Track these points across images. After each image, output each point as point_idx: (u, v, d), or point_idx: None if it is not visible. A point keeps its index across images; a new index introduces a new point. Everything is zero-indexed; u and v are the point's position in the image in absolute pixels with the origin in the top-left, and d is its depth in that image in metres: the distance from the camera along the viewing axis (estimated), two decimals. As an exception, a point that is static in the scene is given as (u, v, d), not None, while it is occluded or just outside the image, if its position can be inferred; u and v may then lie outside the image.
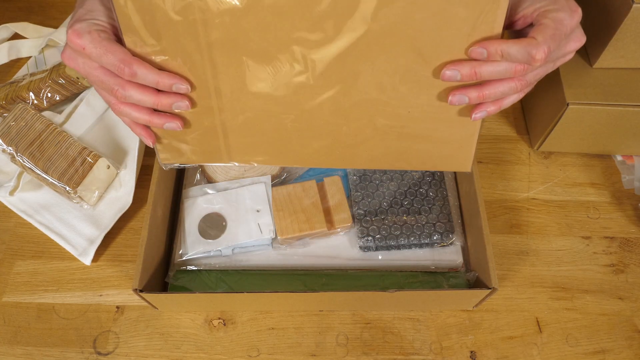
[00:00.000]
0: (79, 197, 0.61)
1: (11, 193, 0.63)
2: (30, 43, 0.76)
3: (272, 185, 0.60)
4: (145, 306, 0.58)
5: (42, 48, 0.75)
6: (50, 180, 0.60)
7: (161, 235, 0.57)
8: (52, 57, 0.75)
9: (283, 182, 0.62)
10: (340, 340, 0.57)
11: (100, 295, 0.59)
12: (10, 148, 0.60)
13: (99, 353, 0.56)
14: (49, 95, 0.67)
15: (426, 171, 0.61)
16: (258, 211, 0.58)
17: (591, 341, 0.57)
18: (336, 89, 0.42)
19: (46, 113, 0.66)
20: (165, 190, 0.59)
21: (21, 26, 0.77)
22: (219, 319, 0.58)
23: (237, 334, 0.57)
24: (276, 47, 0.40)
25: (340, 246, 0.59)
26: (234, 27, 0.39)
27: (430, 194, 0.60)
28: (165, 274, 0.57)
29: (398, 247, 0.58)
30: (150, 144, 0.46)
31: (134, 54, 0.41)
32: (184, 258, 0.57)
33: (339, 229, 0.58)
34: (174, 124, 0.44)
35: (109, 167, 0.63)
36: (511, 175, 0.68)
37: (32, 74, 0.70)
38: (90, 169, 0.61)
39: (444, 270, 0.57)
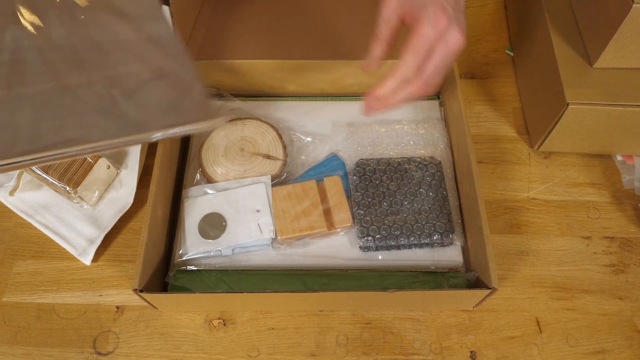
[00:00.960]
0: (79, 197, 0.61)
1: (11, 193, 0.63)
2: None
3: (272, 185, 0.60)
4: (145, 306, 0.58)
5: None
6: (51, 180, 0.60)
7: (161, 235, 0.57)
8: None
9: (283, 182, 0.62)
10: (340, 340, 0.57)
11: (100, 295, 0.59)
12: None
13: (99, 353, 0.56)
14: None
15: (426, 171, 0.61)
16: (258, 211, 0.58)
17: (591, 341, 0.57)
18: None
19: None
20: (165, 190, 0.59)
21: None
22: (219, 319, 0.58)
23: (237, 334, 0.57)
24: None
25: (340, 246, 0.59)
26: None
27: (430, 194, 0.60)
28: (165, 274, 0.57)
29: (398, 247, 0.58)
30: None
31: None
32: (184, 258, 0.57)
33: (338, 229, 0.58)
34: None
35: (109, 167, 0.63)
36: (511, 175, 0.68)
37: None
38: (91, 169, 0.61)
39: (444, 270, 0.57)
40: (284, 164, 0.62)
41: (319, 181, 0.61)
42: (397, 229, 0.58)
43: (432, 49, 0.43)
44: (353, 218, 0.58)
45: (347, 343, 0.57)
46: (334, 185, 0.60)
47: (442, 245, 0.58)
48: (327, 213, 0.58)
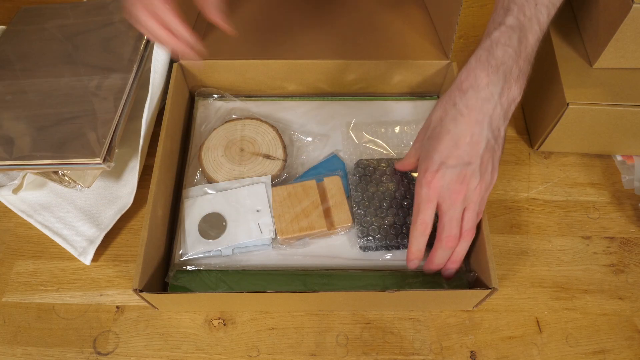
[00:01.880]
0: (69, 179, 0.61)
1: (15, 191, 0.63)
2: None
3: (272, 185, 0.60)
4: (145, 306, 0.58)
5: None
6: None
7: (161, 235, 0.57)
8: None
9: (283, 182, 0.62)
10: (340, 340, 0.57)
11: (100, 295, 0.59)
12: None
13: (99, 353, 0.56)
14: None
15: None
16: (258, 211, 0.58)
17: (591, 341, 0.57)
18: None
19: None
20: (165, 190, 0.59)
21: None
22: (219, 319, 0.58)
23: (237, 334, 0.57)
24: None
25: (340, 246, 0.59)
26: None
27: None
28: (165, 274, 0.57)
29: (398, 247, 0.58)
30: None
31: None
32: (184, 258, 0.57)
33: (338, 229, 0.58)
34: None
35: None
36: (511, 175, 0.68)
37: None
38: None
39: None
40: (284, 164, 0.62)
41: (319, 181, 0.61)
42: (397, 229, 0.58)
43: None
44: (353, 218, 0.58)
45: (347, 343, 0.57)
46: (334, 185, 0.60)
47: None
48: (327, 213, 0.58)
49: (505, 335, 0.57)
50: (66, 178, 0.61)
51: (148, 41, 0.69)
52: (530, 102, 0.72)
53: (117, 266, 0.61)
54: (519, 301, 0.59)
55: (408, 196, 0.60)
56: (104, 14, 0.74)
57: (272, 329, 0.57)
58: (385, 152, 0.64)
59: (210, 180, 0.61)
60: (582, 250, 0.62)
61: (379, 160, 0.62)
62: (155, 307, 0.56)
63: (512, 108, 0.48)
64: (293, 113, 0.68)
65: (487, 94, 0.46)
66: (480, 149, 0.47)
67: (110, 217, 0.63)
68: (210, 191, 0.60)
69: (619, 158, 0.69)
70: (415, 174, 0.61)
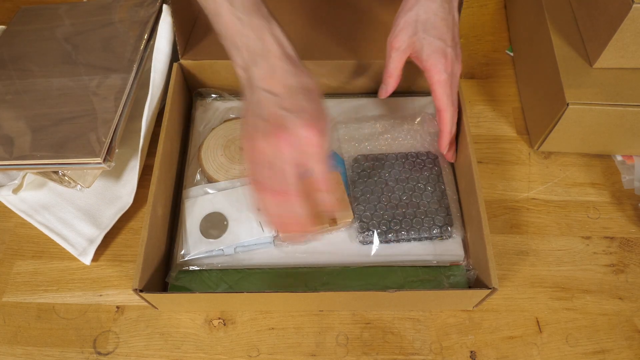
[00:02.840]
0: (69, 179, 0.61)
1: (15, 191, 0.63)
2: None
3: None
4: (145, 306, 0.58)
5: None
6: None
7: (161, 235, 0.57)
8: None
9: None
10: (340, 340, 0.57)
11: (100, 295, 0.59)
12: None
13: (99, 353, 0.56)
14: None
15: (423, 166, 0.61)
16: (259, 209, 0.58)
17: (591, 341, 0.57)
18: None
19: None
20: (165, 190, 0.59)
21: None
22: (219, 319, 0.58)
23: (237, 334, 0.57)
24: None
25: (341, 242, 0.58)
26: None
27: (429, 188, 0.60)
28: (165, 274, 0.57)
29: (398, 241, 0.58)
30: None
31: None
32: (186, 258, 0.57)
33: (340, 225, 0.58)
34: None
35: None
36: (511, 175, 0.68)
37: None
38: None
39: (445, 264, 0.57)
40: None
41: None
42: (396, 224, 0.58)
43: (452, 84, 0.55)
44: (353, 214, 0.59)
45: (347, 343, 0.57)
46: (334, 181, 0.60)
47: (442, 238, 0.58)
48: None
49: (505, 335, 0.57)
50: (66, 178, 0.61)
51: (148, 41, 0.69)
52: (530, 102, 0.72)
53: (117, 266, 0.61)
54: (519, 301, 0.59)
55: (406, 191, 0.60)
56: (104, 14, 0.74)
57: (272, 329, 0.57)
58: (383, 148, 0.64)
59: (210, 180, 0.61)
60: (582, 250, 0.62)
61: (376, 156, 0.63)
62: (155, 307, 0.56)
63: None
64: None
65: None
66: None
67: (110, 217, 0.63)
68: (210, 191, 0.60)
69: (619, 158, 0.69)
70: (412, 168, 0.61)
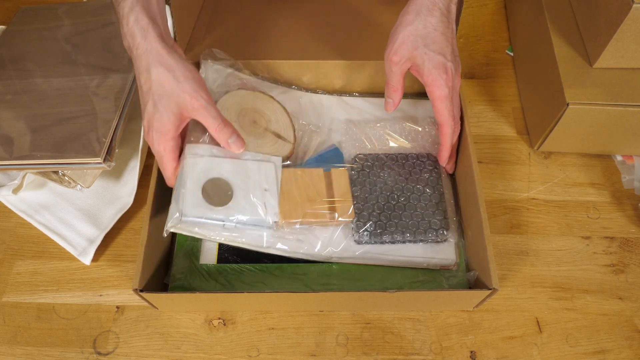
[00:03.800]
0: (69, 179, 0.61)
1: (15, 191, 0.63)
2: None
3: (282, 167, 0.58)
4: (145, 306, 0.58)
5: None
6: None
7: (161, 235, 0.57)
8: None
9: (287, 167, 0.59)
10: (340, 340, 0.57)
11: (100, 295, 0.59)
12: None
13: (99, 353, 0.56)
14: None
15: (423, 168, 0.61)
16: (266, 190, 0.55)
17: (591, 341, 0.57)
18: None
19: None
20: (165, 190, 0.59)
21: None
22: (219, 319, 0.58)
23: (237, 334, 0.57)
24: None
25: (336, 237, 0.58)
26: None
27: (427, 190, 0.60)
28: (165, 274, 0.57)
29: (393, 242, 0.58)
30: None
31: None
32: (182, 219, 0.51)
33: (339, 220, 0.57)
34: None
35: None
36: (511, 175, 0.68)
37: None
38: None
39: (436, 267, 0.57)
40: (294, 148, 0.60)
41: (326, 170, 0.60)
42: (392, 225, 0.58)
43: (452, 99, 0.55)
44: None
45: (347, 343, 0.57)
46: (341, 177, 0.59)
47: (436, 242, 0.58)
48: (332, 204, 0.57)
49: (505, 335, 0.57)
50: (66, 178, 0.61)
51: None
52: (530, 102, 0.72)
53: (117, 266, 0.61)
54: (519, 301, 0.59)
55: (405, 192, 0.60)
56: (104, 14, 0.74)
57: (272, 329, 0.57)
58: (385, 148, 0.64)
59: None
60: (582, 250, 0.62)
61: (376, 156, 0.62)
62: (155, 307, 0.56)
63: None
64: (296, 102, 0.67)
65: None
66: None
67: (110, 217, 0.63)
68: (218, 153, 0.55)
69: (619, 158, 0.69)
70: (412, 170, 0.61)
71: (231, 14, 0.72)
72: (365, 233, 0.57)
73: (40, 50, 0.71)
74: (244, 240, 0.54)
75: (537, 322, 0.58)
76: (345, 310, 0.58)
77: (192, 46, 0.67)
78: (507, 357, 0.56)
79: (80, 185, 0.62)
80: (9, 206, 0.64)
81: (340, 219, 0.57)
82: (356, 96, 0.70)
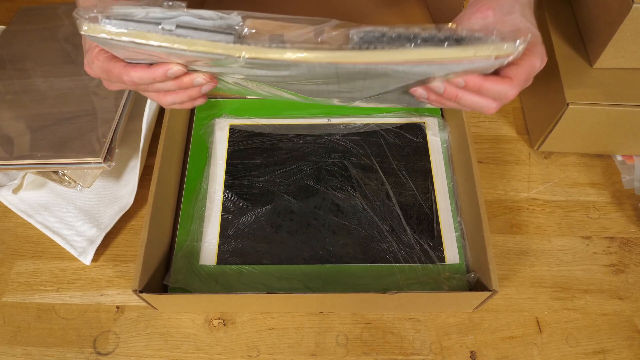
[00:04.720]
0: (69, 178, 0.61)
1: (15, 191, 0.63)
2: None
3: None
4: (145, 306, 0.58)
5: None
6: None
7: (161, 236, 0.57)
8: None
9: None
10: (340, 340, 0.57)
11: (100, 295, 0.59)
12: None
13: (99, 353, 0.56)
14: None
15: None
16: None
17: (591, 341, 0.57)
18: None
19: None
20: (166, 190, 0.59)
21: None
22: (219, 319, 0.58)
23: (237, 334, 0.57)
24: None
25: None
26: None
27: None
28: (165, 275, 0.57)
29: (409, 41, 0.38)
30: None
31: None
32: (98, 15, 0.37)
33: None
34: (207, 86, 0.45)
35: None
36: (511, 175, 0.68)
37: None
38: None
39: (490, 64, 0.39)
40: None
41: None
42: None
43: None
44: None
45: (347, 343, 0.57)
46: None
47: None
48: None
49: (505, 335, 0.57)
50: (66, 178, 0.61)
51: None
52: (530, 102, 0.72)
53: (117, 266, 0.61)
54: (519, 301, 0.59)
55: None
56: (104, 14, 0.74)
57: (272, 329, 0.57)
58: None
59: None
60: (582, 250, 0.62)
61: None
62: (155, 308, 0.56)
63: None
64: None
65: None
66: None
67: (110, 217, 0.63)
68: None
69: (619, 158, 0.69)
70: None
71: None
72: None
73: (40, 50, 0.71)
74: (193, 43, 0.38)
75: (537, 322, 0.58)
76: (344, 311, 0.58)
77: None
78: (507, 357, 0.56)
79: (80, 185, 0.62)
80: (9, 206, 0.64)
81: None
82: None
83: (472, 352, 0.56)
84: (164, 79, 0.42)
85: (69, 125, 0.61)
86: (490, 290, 0.50)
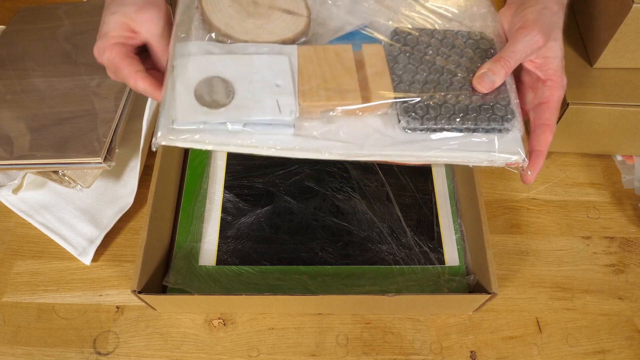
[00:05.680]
0: (69, 178, 0.61)
1: (15, 191, 0.63)
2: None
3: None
4: (145, 306, 0.58)
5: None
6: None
7: (161, 236, 0.57)
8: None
9: (306, 44, 0.48)
10: (340, 340, 0.57)
11: (100, 295, 0.59)
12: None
13: (99, 353, 0.56)
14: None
15: (477, 47, 0.49)
16: (278, 86, 0.44)
17: (591, 341, 0.57)
18: None
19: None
20: (166, 190, 0.59)
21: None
22: (219, 319, 0.58)
23: (237, 334, 0.57)
24: None
25: (374, 130, 0.45)
26: None
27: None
28: (164, 275, 0.57)
29: (449, 127, 0.45)
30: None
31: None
32: (174, 127, 0.41)
33: (376, 105, 0.45)
34: None
35: None
36: (511, 175, 0.68)
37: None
38: None
39: (500, 164, 0.46)
40: (309, 21, 0.48)
41: (356, 49, 0.47)
42: (447, 109, 0.45)
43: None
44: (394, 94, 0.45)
45: (347, 343, 0.57)
46: (375, 54, 0.47)
47: (499, 131, 0.46)
48: (364, 83, 0.45)
49: (505, 335, 0.57)
50: (66, 178, 0.61)
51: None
52: (530, 102, 0.71)
53: (117, 266, 0.61)
54: (519, 301, 0.59)
55: (459, 73, 0.47)
56: (104, 14, 0.74)
57: (272, 329, 0.57)
58: (430, 21, 0.51)
59: (217, 32, 0.45)
60: (582, 250, 0.62)
61: (420, 30, 0.49)
62: (154, 309, 0.56)
63: None
64: None
65: None
66: None
67: (110, 217, 0.63)
68: (215, 50, 0.45)
69: (619, 158, 0.69)
70: (465, 49, 0.49)
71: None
72: (414, 115, 0.44)
73: (40, 50, 0.71)
74: (257, 142, 0.43)
75: (537, 322, 0.58)
76: (344, 312, 0.58)
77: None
78: (507, 357, 0.56)
79: (80, 185, 0.62)
80: (9, 206, 0.64)
81: (375, 101, 0.44)
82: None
83: (472, 352, 0.56)
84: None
85: (69, 125, 0.61)
86: (490, 293, 0.50)
